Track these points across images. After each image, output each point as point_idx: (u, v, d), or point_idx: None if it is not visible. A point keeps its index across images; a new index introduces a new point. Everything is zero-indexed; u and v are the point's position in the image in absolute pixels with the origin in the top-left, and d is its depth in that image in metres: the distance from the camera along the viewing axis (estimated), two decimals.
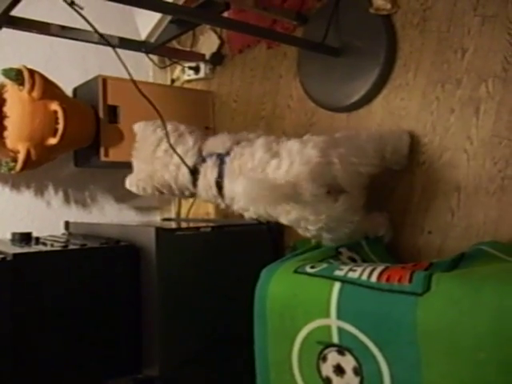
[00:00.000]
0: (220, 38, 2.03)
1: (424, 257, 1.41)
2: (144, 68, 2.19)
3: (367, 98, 1.57)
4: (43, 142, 1.61)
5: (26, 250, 1.39)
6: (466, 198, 1.34)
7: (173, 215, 2.26)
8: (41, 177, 1.92)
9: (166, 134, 1.35)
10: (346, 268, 1.15)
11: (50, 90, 1.63)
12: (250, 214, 1.31)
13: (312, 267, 1.21)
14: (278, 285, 1.23)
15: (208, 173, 1.34)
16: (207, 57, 2.03)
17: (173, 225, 1.89)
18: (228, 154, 1.32)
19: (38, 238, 1.60)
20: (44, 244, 1.50)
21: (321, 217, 1.22)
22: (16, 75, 1.55)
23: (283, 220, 1.26)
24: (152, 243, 1.46)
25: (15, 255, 1.30)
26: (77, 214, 2.02)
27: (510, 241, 1.26)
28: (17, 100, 1.58)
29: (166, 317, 1.48)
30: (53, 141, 1.61)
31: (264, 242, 1.76)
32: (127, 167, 2.01)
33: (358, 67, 1.57)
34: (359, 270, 1.12)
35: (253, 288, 1.25)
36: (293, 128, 1.79)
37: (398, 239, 1.47)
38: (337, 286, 1.10)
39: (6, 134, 1.58)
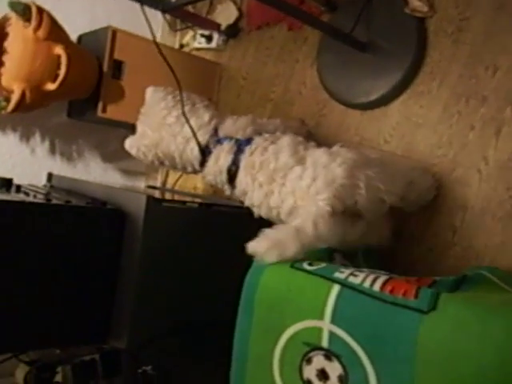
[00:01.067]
0: (239, 10, 1.94)
1: (419, 271, 1.38)
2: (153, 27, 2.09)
3: (385, 99, 1.52)
4: (41, 85, 1.51)
5: (6, 197, 1.30)
6: (471, 219, 1.31)
7: (158, 184, 2.18)
8: (29, 122, 1.82)
9: (181, 101, 1.27)
10: (347, 271, 1.10)
11: (56, 32, 1.53)
12: (260, 212, 1.25)
13: (310, 264, 1.16)
14: (271, 276, 1.17)
15: (222, 157, 1.26)
16: (222, 27, 1.95)
17: (158, 194, 1.81)
18: (248, 142, 1.25)
19: (18, 186, 1.50)
20: (26, 194, 1.41)
21: (334, 239, 1.15)
22: (23, 10, 1.44)
23: None
24: (141, 211, 1.38)
25: None
26: (60, 167, 1.92)
27: (510, 269, 1.23)
28: (20, 36, 1.47)
29: (143, 289, 1.41)
30: (51, 86, 1.52)
31: (252, 227, 1.70)
32: (122, 127, 1.93)
33: (381, 66, 1.52)
34: (361, 275, 1.07)
35: (236, 274, 1.20)
36: (301, 116, 1.73)
37: (393, 248, 1.43)
38: (336, 288, 1.05)
39: (2, 70, 1.48)
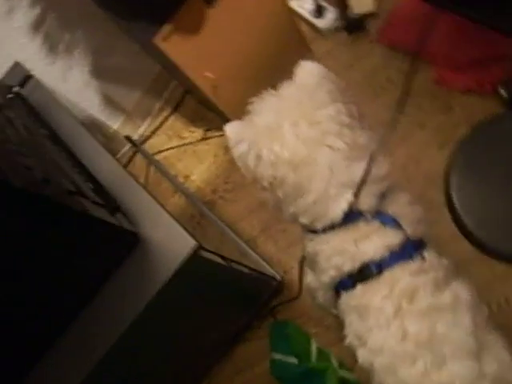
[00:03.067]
0: (376, 6, 1.39)
1: None
2: None
3: None
4: None
5: None
6: None
7: (136, 136, 1.53)
8: None
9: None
10: None
11: None
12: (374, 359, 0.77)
13: None
14: None
15: (372, 241, 0.76)
16: (349, 13, 1.37)
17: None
18: (418, 247, 0.77)
19: None
20: None
21: None
22: None
23: None
24: (179, 255, 0.82)
25: None
26: (36, 54, 1.21)
27: None
28: None
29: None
30: None
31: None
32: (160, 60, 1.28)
33: None
34: None
35: None
36: None
37: None
38: None
39: None
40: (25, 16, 1.15)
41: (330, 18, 1.40)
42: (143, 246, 0.84)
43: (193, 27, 1.09)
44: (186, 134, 1.50)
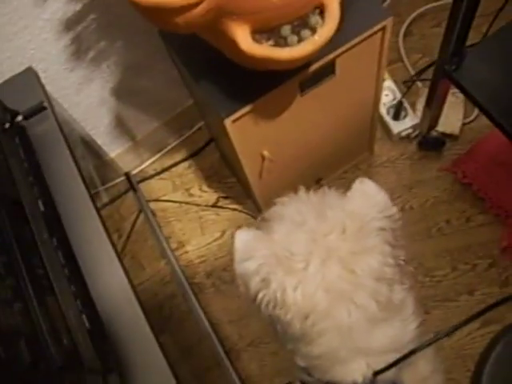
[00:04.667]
0: (461, 126, 1.18)
1: None
2: None
3: None
4: None
5: None
6: None
7: (136, 171, 1.26)
8: None
9: None
10: None
11: None
12: None
13: None
14: None
15: None
16: (436, 130, 1.15)
17: None
18: None
19: None
20: None
21: None
22: None
23: None
24: None
25: None
26: (56, 55, 0.93)
27: None
28: None
29: None
30: None
31: None
32: None
33: None
34: None
35: None
36: None
37: None
38: None
39: None
40: (60, 9, 0.86)
41: (406, 124, 1.18)
42: None
43: (270, 114, 0.84)
44: (196, 192, 1.24)
